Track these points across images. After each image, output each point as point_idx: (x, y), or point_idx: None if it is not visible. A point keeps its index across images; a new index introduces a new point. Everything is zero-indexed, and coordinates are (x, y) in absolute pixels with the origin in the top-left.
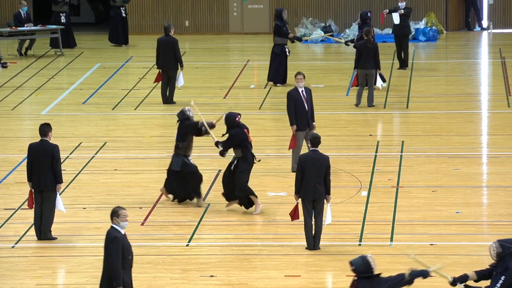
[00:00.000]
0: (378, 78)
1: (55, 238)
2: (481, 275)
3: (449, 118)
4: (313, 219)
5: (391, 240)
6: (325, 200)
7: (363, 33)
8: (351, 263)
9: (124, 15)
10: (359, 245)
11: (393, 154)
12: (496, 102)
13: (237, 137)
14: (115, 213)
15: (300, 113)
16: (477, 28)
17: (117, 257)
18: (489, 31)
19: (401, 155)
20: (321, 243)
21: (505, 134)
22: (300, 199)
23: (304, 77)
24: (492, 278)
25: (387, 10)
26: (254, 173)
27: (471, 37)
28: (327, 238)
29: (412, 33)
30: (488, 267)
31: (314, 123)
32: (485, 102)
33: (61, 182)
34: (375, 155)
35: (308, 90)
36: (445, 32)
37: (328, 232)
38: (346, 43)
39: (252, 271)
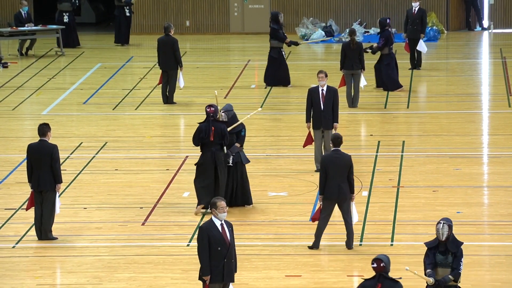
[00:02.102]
0: (362, 78)
1: (56, 238)
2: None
3: (449, 118)
4: (337, 220)
5: (392, 240)
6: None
7: (348, 33)
8: (381, 259)
9: (128, 14)
10: (360, 245)
11: (393, 154)
12: (497, 102)
13: (201, 131)
14: (213, 205)
15: (315, 111)
16: (478, 28)
17: (200, 247)
18: (490, 31)
19: (402, 155)
20: (321, 243)
21: (506, 134)
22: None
23: (326, 76)
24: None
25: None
26: (254, 173)
27: (471, 37)
28: (328, 238)
29: None
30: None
31: (336, 124)
32: (486, 102)
33: (60, 182)
34: (376, 155)
35: (331, 90)
36: (445, 32)
37: (329, 232)
38: (365, 50)
39: (253, 271)
